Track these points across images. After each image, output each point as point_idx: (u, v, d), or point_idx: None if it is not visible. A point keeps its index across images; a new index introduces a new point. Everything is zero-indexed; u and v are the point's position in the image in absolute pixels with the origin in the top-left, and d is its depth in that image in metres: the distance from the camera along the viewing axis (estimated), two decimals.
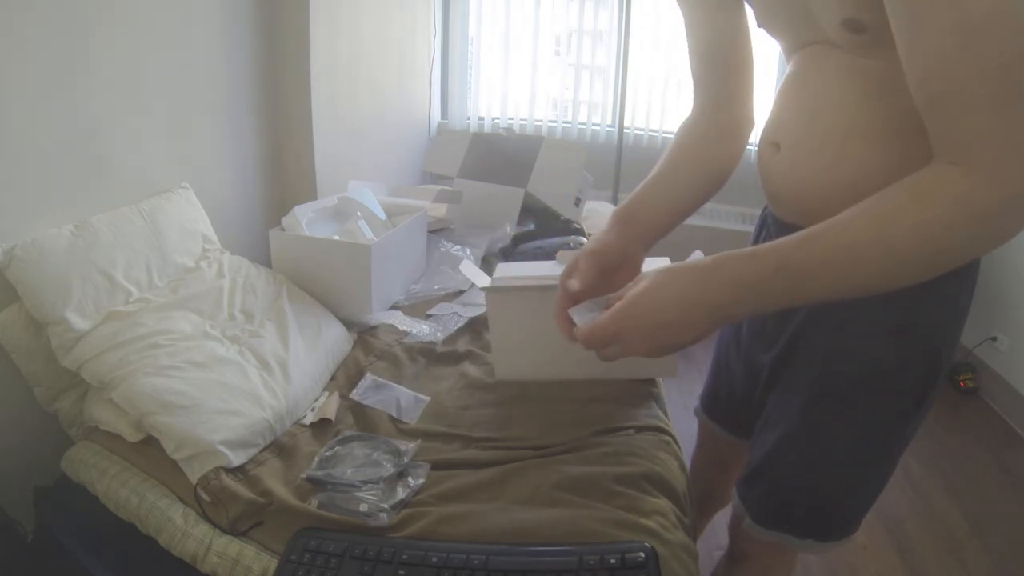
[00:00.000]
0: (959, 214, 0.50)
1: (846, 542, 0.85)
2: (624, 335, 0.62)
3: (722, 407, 1.05)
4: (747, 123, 0.85)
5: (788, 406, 0.81)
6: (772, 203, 0.81)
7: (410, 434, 1.05)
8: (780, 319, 0.81)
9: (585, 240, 1.96)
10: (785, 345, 0.81)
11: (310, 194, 1.83)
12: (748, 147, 0.86)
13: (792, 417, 0.80)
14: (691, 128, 0.86)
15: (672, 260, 1.03)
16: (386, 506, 0.85)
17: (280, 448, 1.03)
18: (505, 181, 2.10)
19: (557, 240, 1.93)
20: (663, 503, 0.88)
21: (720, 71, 0.83)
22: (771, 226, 0.84)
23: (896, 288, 0.54)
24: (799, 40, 0.72)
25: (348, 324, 1.40)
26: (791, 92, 0.74)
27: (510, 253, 1.89)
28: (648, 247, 0.81)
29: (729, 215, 2.86)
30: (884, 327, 0.71)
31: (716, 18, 0.80)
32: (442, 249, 1.80)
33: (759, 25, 0.78)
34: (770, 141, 0.77)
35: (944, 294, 0.69)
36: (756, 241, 0.90)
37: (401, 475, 0.93)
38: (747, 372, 0.92)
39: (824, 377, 0.77)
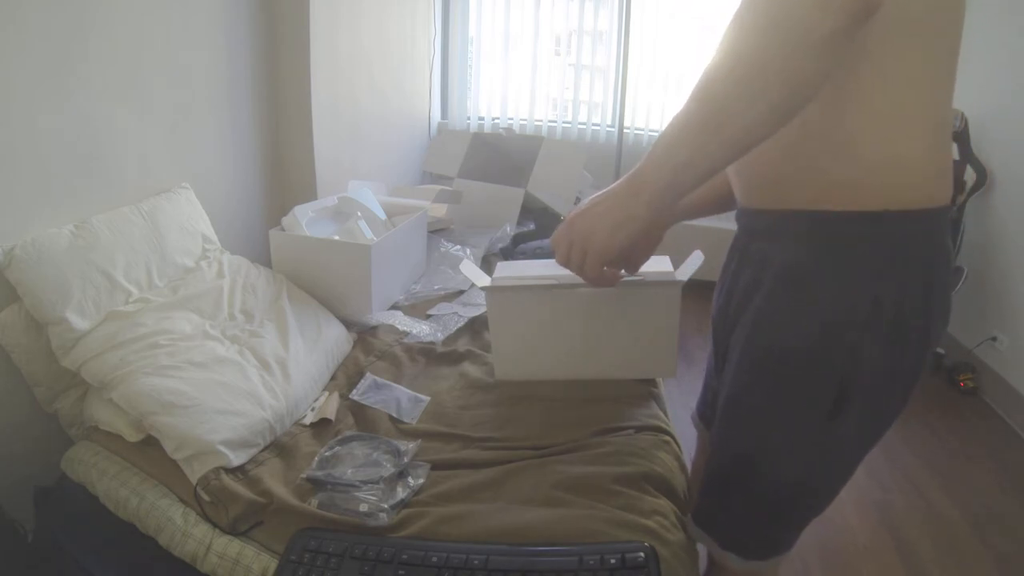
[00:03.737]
0: (773, 5, 0.52)
1: (772, 563, 0.81)
2: (575, 227, 0.68)
3: (709, 411, 1.05)
4: None
5: (720, 403, 0.81)
6: (734, 187, 0.80)
7: (410, 434, 1.05)
8: (731, 315, 0.79)
9: None
10: (726, 343, 0.81)
11: (310, 194, 1.83)
12: None
13: (718, 418, 0.80)
14: None
15: (672, 260, 1.04)
16: (386, 506, 0.85)
17: (280, 448, 1.03)
18: (505, 181, 2.10)
19: None
20: (663, 503, 0.88)
21: None
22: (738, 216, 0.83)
23: (769, 117, 0.55)
24: None
25: (348, 324, 1.40)
26: None
27: (510, 253, 1.90)
28: (670, 224, 0.83)
29: (730, 216, 2.87)
30: (804, 324, 0.67)
31: None
32: (442, 249, 1.80)
33: None
34: None
35: (862, 307, 0.64)
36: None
37: (401, 475, 0.93)
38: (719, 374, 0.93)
39: (739, 371, 0.74)
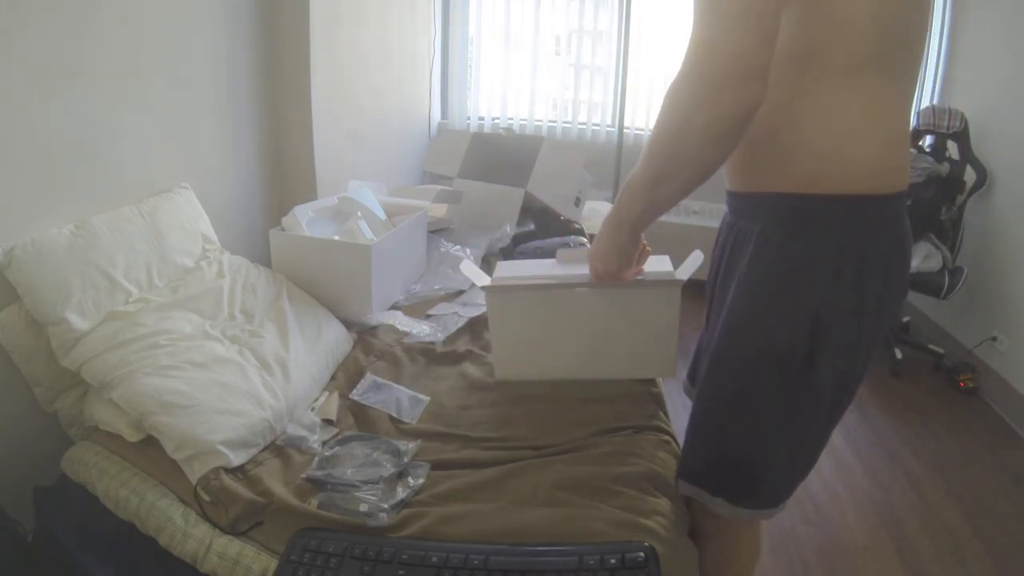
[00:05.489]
0: (679, 91, 0.70)
1: (764, 514, 0.87)
2: (594, 263, 0.93)
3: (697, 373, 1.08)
4: None
5: (705, 360, 0.90)
6: (724, 174, 0.91)
7: (410, 434, 1.05)
8: (721, 281, 0.90)
9: (585, 240, 1.96)
10: (707, 313, 0.93)
11: (310, 194, 1.83)
12: None
13: (703, 374, 0.89)
14: None
15: (672, 259, 1.04)
16: (386, 506, 0.85)
17: (280, 448, 1.02)
18: (505, 181, 2.10)
19: (557, 240, 1.93)
20: (663, 503, 0.88)
21: None
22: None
23: (696, 170, 0.73)
24: None
25: (348, 324, 1.40)
26: None
27: (510, 253, 1.89)
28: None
29: None
30: (759, 303, 0.80)
31: None
32: (442, 249, 1.80)
33: None
34: None
35: (824, 270, 0.75)
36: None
37: (401, 475, 0.93)
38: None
39: (724, 329, 0.84)
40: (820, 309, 0.76)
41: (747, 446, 0.85)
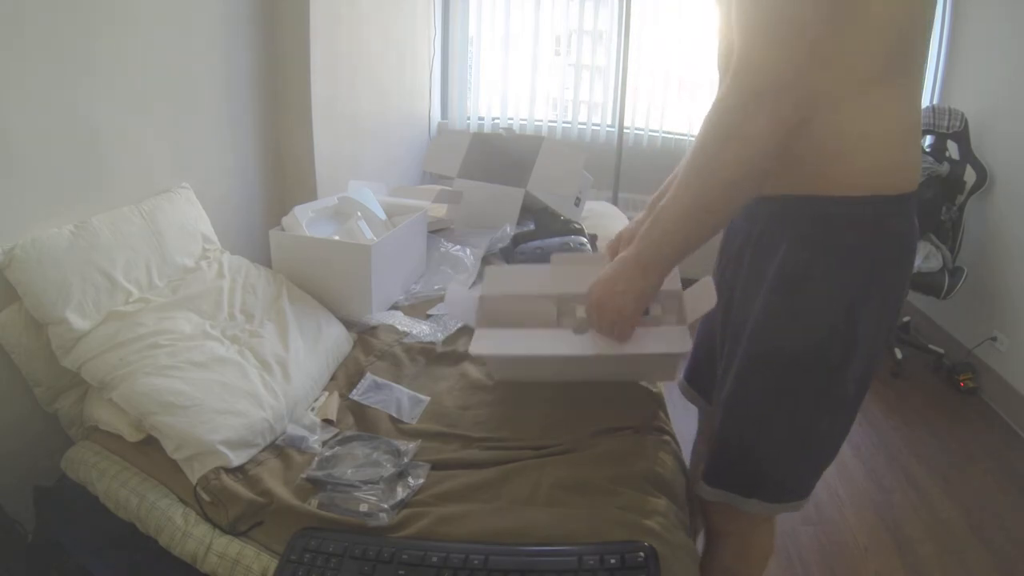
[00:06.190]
0: (715, 112, 0.72)
1: (792, 507, 0.90)
2: (605, 307, 0.86)
3: (700, 375, 1.09)
4: None
5: (729, 370, 0.89)
6: None
7: (410, 434, 1.05)
8: (743, 287, 0.89)
9: (585, 240, 1.96)
10: (724, 317, 0.92)
11: (310, 194, 1.83)
12: None
13: (731, 380, 0.88)
14: None
15: (681, 272, 1.03)
16: (386, 506, 0.85)
17: (280, 448, 1.02)
18: (505, 181, 2.10)
19: (557, 240, 1.92)
20: (663, 503, 0.88)
21: None
22: None
23: (737, 193, 0.73)
24: None
25: (348, 324, 1.40)
26: None
27: (510, 253, 1.89)
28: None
29: None
30: (795, 305, 0.80)
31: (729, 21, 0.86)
32: (442, 249, 1.80)
33: None
34: None
35: (844, 279, 0.78)
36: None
37: (401, 475, 0.93)
38: (713, 338, 0.99)
39: (749, 344, 0.85)
40: (853, 307, 0.78)
41: (782, 447, 0.86)
